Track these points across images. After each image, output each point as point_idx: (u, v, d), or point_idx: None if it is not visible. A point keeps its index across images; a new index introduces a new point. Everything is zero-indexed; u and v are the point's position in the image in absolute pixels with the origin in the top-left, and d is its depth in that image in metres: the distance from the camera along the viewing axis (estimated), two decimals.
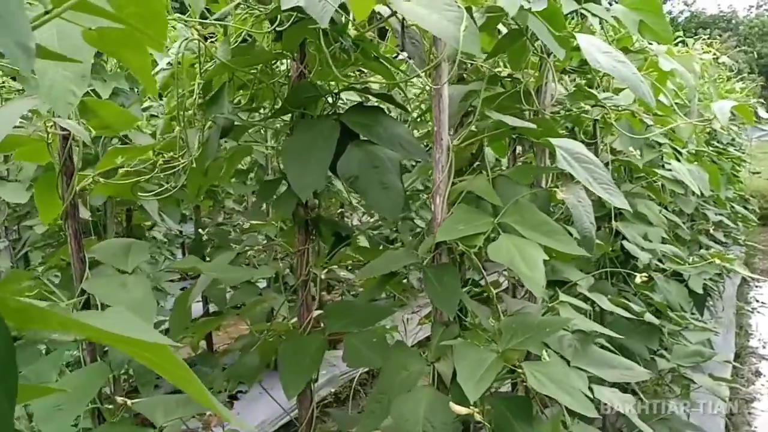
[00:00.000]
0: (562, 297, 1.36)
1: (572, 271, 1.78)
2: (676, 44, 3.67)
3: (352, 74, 1.78)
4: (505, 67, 1.85)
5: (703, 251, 3.92)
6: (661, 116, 1.95)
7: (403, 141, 1.41)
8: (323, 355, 1.45)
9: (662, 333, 2.51)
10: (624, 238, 2.33)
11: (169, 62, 1.51)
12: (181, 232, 3.94)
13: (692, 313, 3.72)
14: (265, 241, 1.94)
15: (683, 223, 3.91)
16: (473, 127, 1.27)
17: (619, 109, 1.64)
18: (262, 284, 3.23)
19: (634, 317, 1.98)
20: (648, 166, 2.65)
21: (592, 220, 1.59)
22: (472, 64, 1.85)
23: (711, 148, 4.24)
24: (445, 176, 1.23)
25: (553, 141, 1.15)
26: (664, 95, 1.75)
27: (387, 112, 1.47)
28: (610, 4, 1.89)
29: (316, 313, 1.58)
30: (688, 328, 2.53)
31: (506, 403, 1.16)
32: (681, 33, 4.14)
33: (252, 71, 1.44)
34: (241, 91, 1.70)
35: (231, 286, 2.20)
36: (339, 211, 3.78)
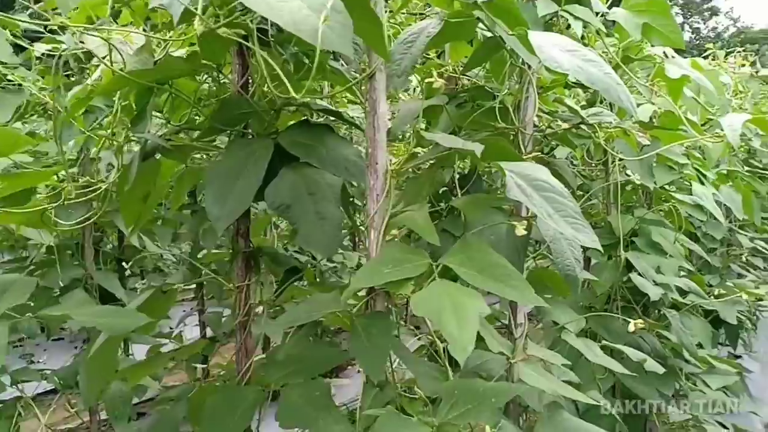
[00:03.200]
0: (530, 348, 1.13)
1: (563, 310, 1.54)
2: (705, 57, 3.38)
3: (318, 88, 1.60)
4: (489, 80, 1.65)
5: (737, 280, 3.60)
6: (671, 132, 1.70)
7: (350, 164, 1.22)
8: (256, 411, 1.25)
9: (679, 376, 2.24)
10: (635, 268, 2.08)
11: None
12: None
13: (724, 344, 3.39)
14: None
15: (715, 249, 3.59)
16: (419, 149, 1.07)
17: (609, 127, 1.41)
18: None
19: (647, 357, 1.73)
20: (669, 190, 2.39)
21: (578, 255, 1.36)
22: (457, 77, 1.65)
23: (747, 169, 3.91)
24: (381, 206, 1.03)
25: (505, 165, 0.94)
26: (674, 108, 1.51)
27: (334, 131, 1.28)
28: (610, 8, 1.67)
29: (257, 358, 1.38)
30: (710, 371, 2.25)
31: None
32: (725, 49, 3.84)
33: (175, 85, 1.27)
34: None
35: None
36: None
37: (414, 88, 2.44)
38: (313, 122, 1.30)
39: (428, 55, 1.81)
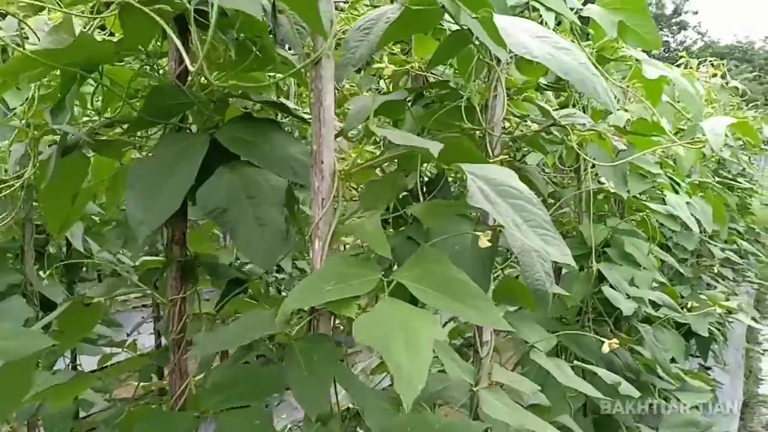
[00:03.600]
0: (496, 373, 1.01)
1: (531, 327, 1.42)
2: (678, 65, 3.33)
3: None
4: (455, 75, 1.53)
5: (708, 291, 3.55)
6: (645, 139, 1.61)
7: (297, 164, 1.08)
8: None
9: (652, 393, 2.14)
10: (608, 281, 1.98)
11: None
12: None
13: (695, 355, 3.33)
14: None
15: (686, 259, 3.54)
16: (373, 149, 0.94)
17: (582, 130, 1.30)
18: None
19: (620, 376, 1.63)
20: (641, 199, 2.31)
21: (549, 269, 1.24)
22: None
23: (717, 179, 3.88)
24: (326, 213, 0.89)
25: (467, 167, 0.82)
26: (651, 111, 1.41)
27: (280, 127, 1.15)
28: (584, 5, 1.57)
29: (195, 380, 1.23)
30: (683, 387, 2.16)
31: None
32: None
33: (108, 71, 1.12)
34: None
35: None
36: None
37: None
38: (256, 117, 1.16)
39: (393, 51, 1.69)
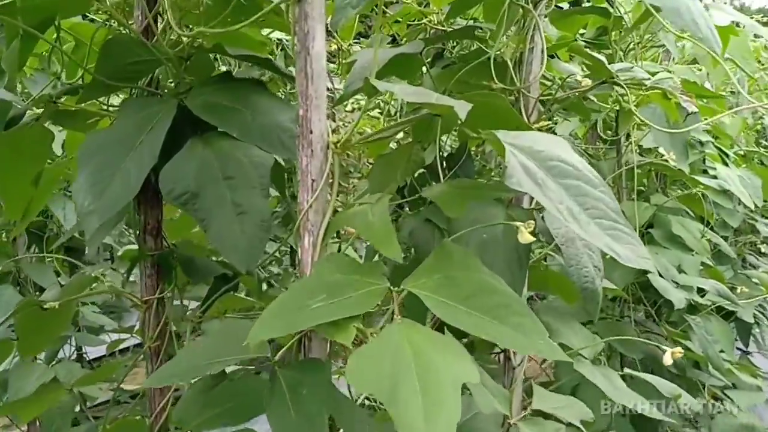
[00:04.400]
0: (537, 398, 0.79)
1: (573, 328, 1.20)
2: None
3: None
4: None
5: (749, 271, 3.29)
6: (705, 104, 1.36)
7: (285, 134, 0.87)
8: None
9: (701, 391, 1.93)
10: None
11: None
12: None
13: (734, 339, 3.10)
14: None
15: (727, 237, 3.28)
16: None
17: (643, 88, 1.06)
18: None
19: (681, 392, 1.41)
20: (688, 171, 2.06)
21: (598, 262, 1.02)
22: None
23: (762, 149, 3.59)
24: (319, 197, 0.68)
25: (504, 135, 0.59)
26: (722, 67, 1.17)
27: (265, 88, 0.93)
28: None
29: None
30: (736, 385, 1.94)
31: None
32: None
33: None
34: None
35: None
36: None
37: None
38: (237, 77, 0.94)
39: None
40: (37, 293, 2.24)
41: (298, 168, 0.69)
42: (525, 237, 0.68)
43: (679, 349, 0.99)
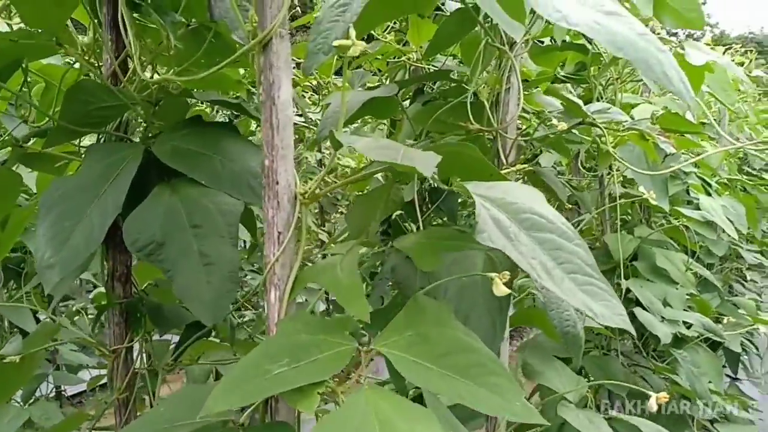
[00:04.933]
0: None
1: (557, 370, 1.18)
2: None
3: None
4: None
5: (736, 298, 3.28)
6: (682, 137, 1.36)
7: (255, 181, 0.85)
8: None
9: (690, 426, 1.90)
10: (636, 301, 1.73)
11: None
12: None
13: (723, 366, 3.08)
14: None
15: (713, 265, 3.27)
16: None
17: (620, 128, 1.05)
18: None
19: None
20: (668, 208, 2.06)
21: None
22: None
23: (744, 176, 3.61)
24: (286, 251, 0.66)
25: (475, 187, 0.58)
26: (699, 104, 1.16)
27: (237, 133, 0.91)
28: None
29: None
30: (726, 418, 1.91)
31: None
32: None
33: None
34: None
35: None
36: None
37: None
38: (209, 122, 0.92)
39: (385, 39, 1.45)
40: (14, 330, 2.19)
41: (264, 220, 0.67)
42: (500, 290, 0.66)
43: (664, 394, 0.96)
